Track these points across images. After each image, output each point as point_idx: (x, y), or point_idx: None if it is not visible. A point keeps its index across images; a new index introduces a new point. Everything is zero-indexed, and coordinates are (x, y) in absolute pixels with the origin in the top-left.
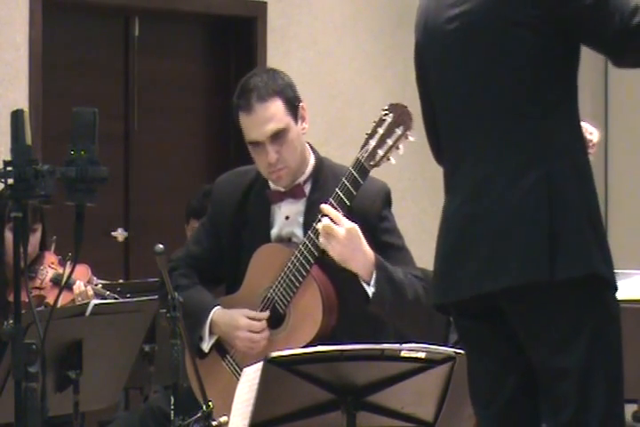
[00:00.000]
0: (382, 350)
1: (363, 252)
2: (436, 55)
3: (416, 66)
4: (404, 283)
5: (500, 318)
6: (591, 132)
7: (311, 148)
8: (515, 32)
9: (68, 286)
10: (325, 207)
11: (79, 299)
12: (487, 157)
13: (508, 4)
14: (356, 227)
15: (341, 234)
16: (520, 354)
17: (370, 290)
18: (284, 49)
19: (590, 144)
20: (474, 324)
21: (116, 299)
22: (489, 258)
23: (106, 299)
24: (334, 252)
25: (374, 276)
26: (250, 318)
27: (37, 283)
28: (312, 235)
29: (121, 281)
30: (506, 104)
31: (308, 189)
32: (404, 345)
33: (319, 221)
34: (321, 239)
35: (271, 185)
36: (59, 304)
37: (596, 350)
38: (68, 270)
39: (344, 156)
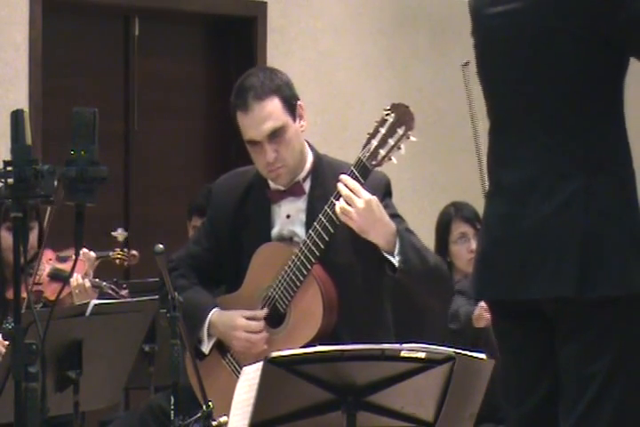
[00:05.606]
0: (382, 350)
1: (383, 222)
2: (482, 50)
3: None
4: (426, 249)
5: (540, 321)
6: None
7: (309, 145)
8: (558, 41)
9: (65, 279)
10: (345, 178)
11: (76, 291)
12: (528, 164)
13: (554, 10)
14: (375, 198)
15: (361, 205)
16: (555, 359)
17: (395, 259)
18: (284, 49)
19: None
20: (513, 325)
21: (113, 290)
22: (521, 265)
23: (103, 290)
24: (354, 223)
25: (398, 244)
26: (248, 317)
27: (35, 278)
28: (313, 234)
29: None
30: (547, 113)
31: (307, 186)
32: (404, 345)
33: (332, 203)
34: (338, 211)
35: (271, 184)
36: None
37: (624, 358)
38: (66, 267)
39: (344, 156)
